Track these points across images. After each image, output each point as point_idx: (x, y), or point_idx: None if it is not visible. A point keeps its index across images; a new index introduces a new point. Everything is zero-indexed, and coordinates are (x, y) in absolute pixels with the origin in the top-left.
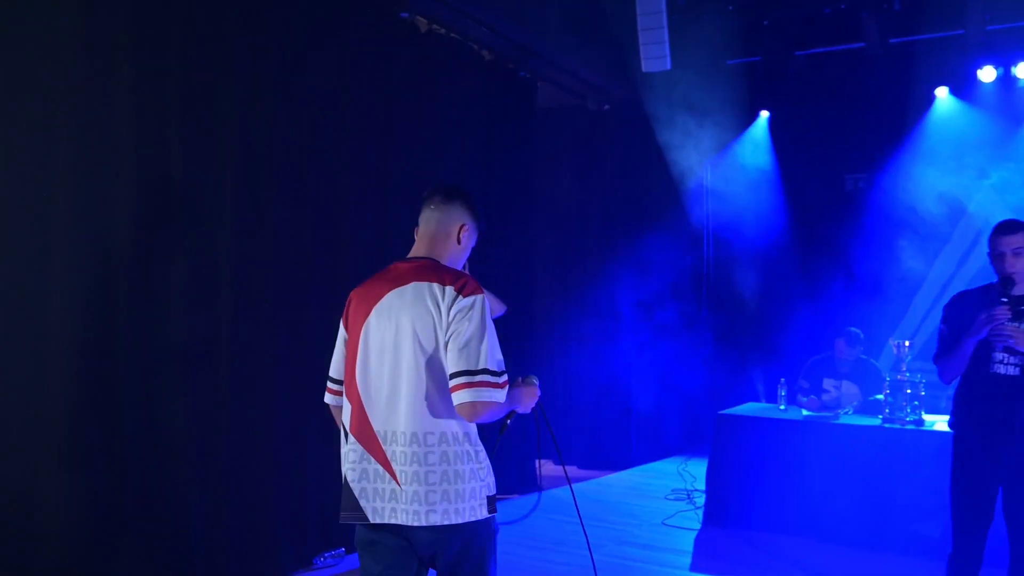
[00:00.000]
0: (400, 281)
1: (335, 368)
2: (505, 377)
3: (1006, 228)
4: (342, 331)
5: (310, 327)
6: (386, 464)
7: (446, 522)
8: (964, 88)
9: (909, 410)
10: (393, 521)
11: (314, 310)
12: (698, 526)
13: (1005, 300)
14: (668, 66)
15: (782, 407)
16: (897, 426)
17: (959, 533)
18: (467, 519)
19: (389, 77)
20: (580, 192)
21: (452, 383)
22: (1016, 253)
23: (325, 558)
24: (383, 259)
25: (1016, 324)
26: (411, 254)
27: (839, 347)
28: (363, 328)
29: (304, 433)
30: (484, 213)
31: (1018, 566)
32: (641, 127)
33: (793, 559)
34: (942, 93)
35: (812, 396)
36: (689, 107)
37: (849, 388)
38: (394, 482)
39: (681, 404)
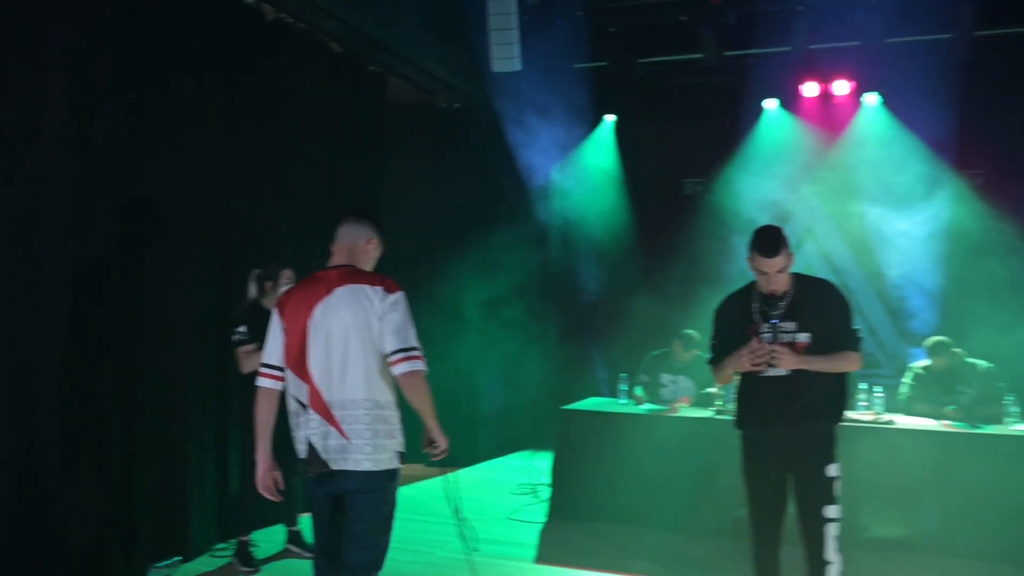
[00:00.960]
0: (336, 284)
1: (274, 356)
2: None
3: (767, 250)
4: (280, 327)
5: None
6: (338, 426)
7: (379, 468)
8: (790, 101)
9: None
10: (345, 468)
11: (148, 302)
12: (544, 519)
13: (766, 331)
14: (518, 67)
15: (623, 401)
16: (728, 417)
17: (757, 522)
18: (387, 467)
19: (231, 65)
20: (430, 190)
21: (393, 359)
22: (779, 272)
23: (159, 568)
24: (224, 250)
25: (774, 342)
26: (333, 263)
27: (676, 348)
28: (308, 323)
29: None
30: (378, 217)
31: (811, 549)
32: (491, 126)
33: (634, 548)
34: (771, 105)
35: (647, 390)
36: (538, 108)
37: (685, 382)
38: (344, 438)
39: (528, 400)
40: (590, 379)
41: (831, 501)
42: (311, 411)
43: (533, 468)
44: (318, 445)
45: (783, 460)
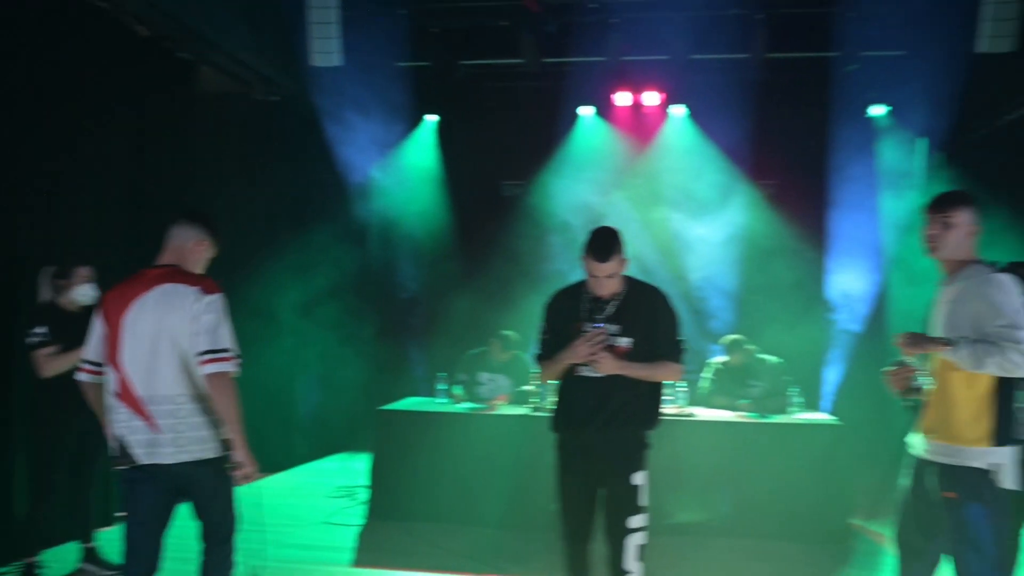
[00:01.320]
0: (154, 283)
1: (93, 353)
2: (239, 359)
3: (600, 254)
4: (100, 324)
5: None
6: (149, 420)
7: (198, 457)
8: (604, 109)
9: None
10: (158, 461)
11: None
12: (362, 522)
13: (600, 326)
14: (338, 62)
15: (441, 400)
16: (544, 414)
17: (567, 521)
18: (213, 455)
19: (21, 44)
20: (245, 185)
21: (202, 359)
22: (610, 277)
23: None
24: (10, 245)
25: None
26: (160, 262)
27: (494, 347)
28: (123, 319)
29: None
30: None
31: (613, 555)
32: (310, 122)
33: (452, 545)
34: (587, 112)
35: (465, 389)
36: (358, 105)
37: (503, 381)
38: (157, 432)
39: (345, 401)
40: (408, 379)
41: (635, 511)
42: (121, 405)
43: (350, 470)
44: (128, 439)
45: (592, 464)
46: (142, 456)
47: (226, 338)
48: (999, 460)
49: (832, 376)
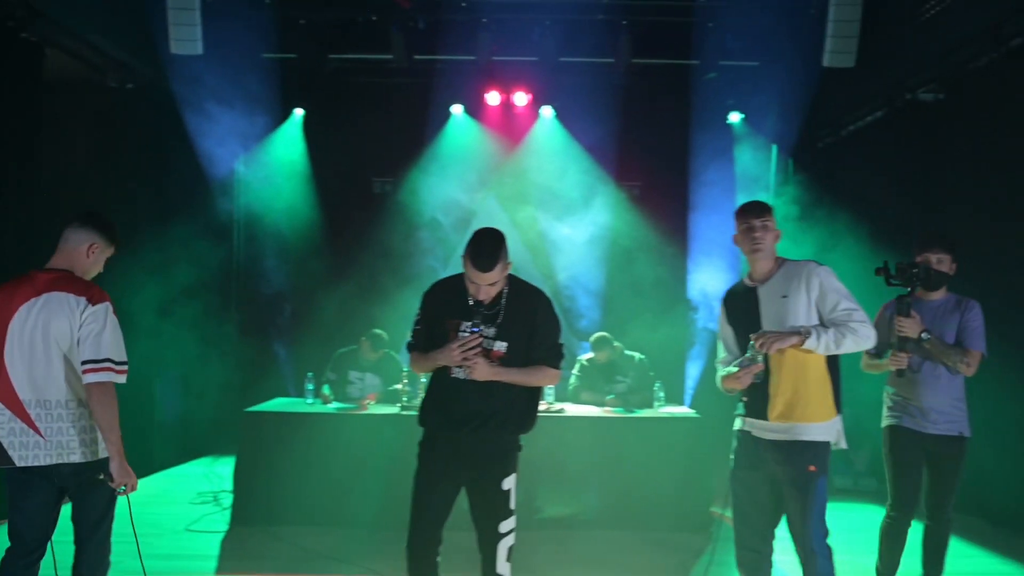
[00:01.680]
0: (43, 289)
1: None
2: (126, 366)
3: (482, 263)
4: None
5: None
6: (31, 423)
7: (86, 460)
8: (475, 108)
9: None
10: (36, 464)
11: None
12: (226, 528)
13: (477, 329)
14: (200, 50)
15: (309, 401)
16: (413, 412)
17: (418, 520)
18: (92, 459)
19: None
20: (98, 177)
21: (84, 368)
22: (492, 285)
23: None
24: None
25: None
26: (50, 265)
27: (364, 347)
28: (10, 324)
29: None
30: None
31: (485, 560)
32: (170, 111)
33: (321, 548)
34: (457, 110)
35: (334, 388)
36: (221, 96)
37: (372, 380)
38: (38, 435)
39: (208, 404)
40: (276, 379)
41: (506, 515)
42: (2, 406)
43: (215, 475)
44: (4, 440)
45: (460, 467)
46: (17, 459)
47: (109, 348)
48: (839, 427)
49: (694, 371)
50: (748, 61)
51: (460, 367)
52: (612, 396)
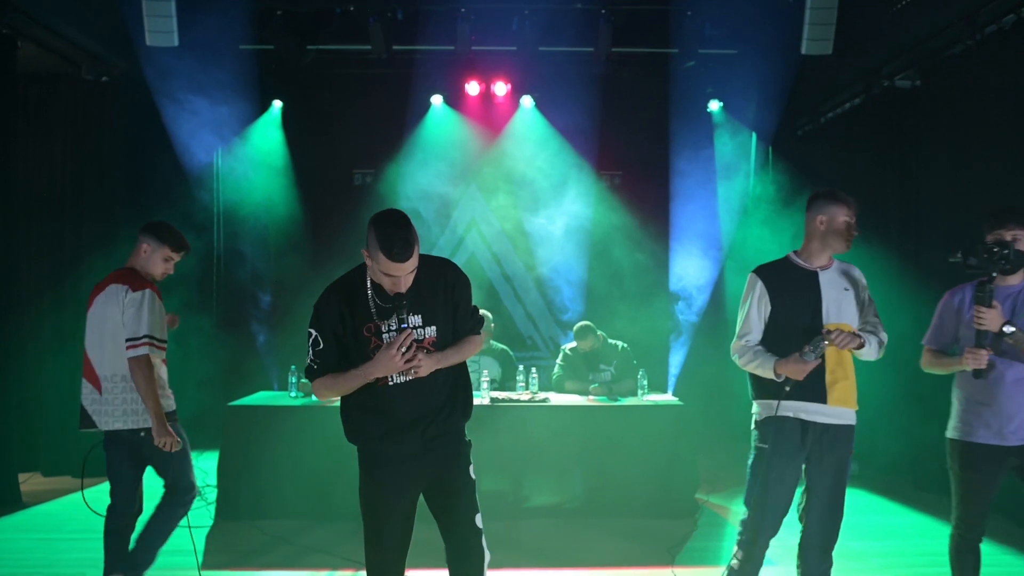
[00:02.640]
0: (107, 284)
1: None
2: (166, 344)
3: (401, 252)
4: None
5: None
6: (103, 395)
7: (137, 426)
8: (455, 98)
9: None
10: (109, 428)
11: None
12: (210, 522)
13: (390, 331)
14: (175, 42)
15: (292, 394)
16: None
17: (379, 552)
18: (144, 425)
19: None
20: (75, 169)
21: (126, 345)
22: (411, 273)
23: None
24: None
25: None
26: (127, 264)
27: None
28: (89, 312)
29: None
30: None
31: (472, 567)
32: (146, 104)
33: (308, 542)
34: (437, 101)
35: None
36: (199, 88)
37: None
38: (111, 405)
39: (190, 399)
40: (259, 373)
41: (477, 509)
42: (84, 380)
43: (198, 470)
44: (90, 409)
45: (417, 476)
46: (101, 424)
47: (142, 327)
48: None
49: (677, 359)
50: (727, 49)
51: (401, 372)
52: (596, 385)
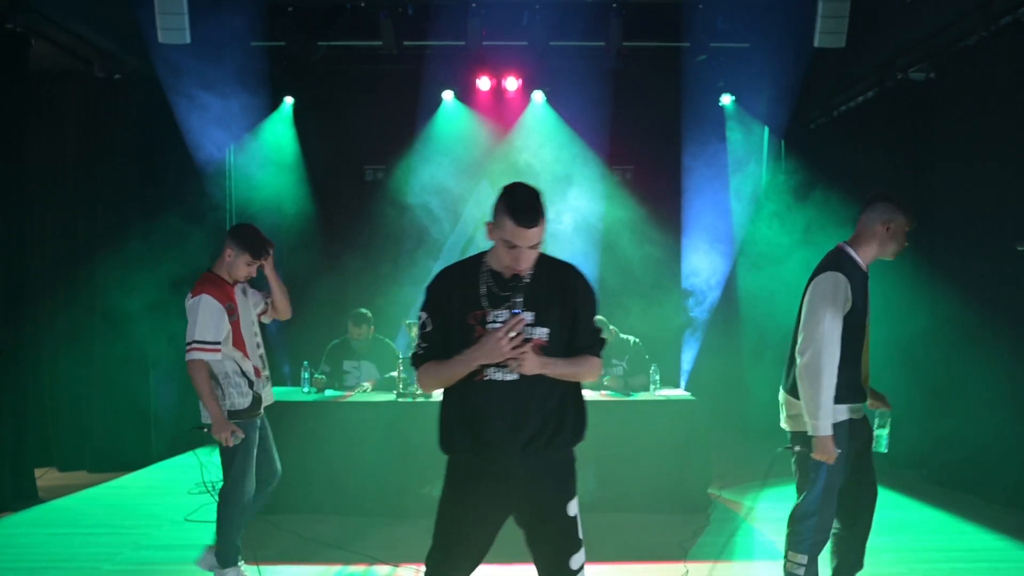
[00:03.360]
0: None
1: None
2: (218, 345)
3: (527, 217)
4: None
5: None
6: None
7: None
8: (466, 94)
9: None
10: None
11: None
12: None
13: (497, 321)
14: (187, 39)
15: (305, 390)
16: (409, 399)
17: (447, 564)
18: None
19: None
20: (88, 167)
21: (186, 348)
22: (534, 247)
23: None
24: None
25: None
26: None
27: (351, 330)
28: None
29: None
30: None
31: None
32: (159, 101)
33: (321, 536)
34: (448, 96)
35: (330, 380)
36: (210, 85)
37: (368, 368)
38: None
39: None
40: (271, 368)
41: (577, 547)
42: None
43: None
44: None
45: (508, 496)
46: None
47: (198, 331)
48: None
49: (689, 354)
50: (739, 43)
51: (502, 365)
52: (608, 379)
